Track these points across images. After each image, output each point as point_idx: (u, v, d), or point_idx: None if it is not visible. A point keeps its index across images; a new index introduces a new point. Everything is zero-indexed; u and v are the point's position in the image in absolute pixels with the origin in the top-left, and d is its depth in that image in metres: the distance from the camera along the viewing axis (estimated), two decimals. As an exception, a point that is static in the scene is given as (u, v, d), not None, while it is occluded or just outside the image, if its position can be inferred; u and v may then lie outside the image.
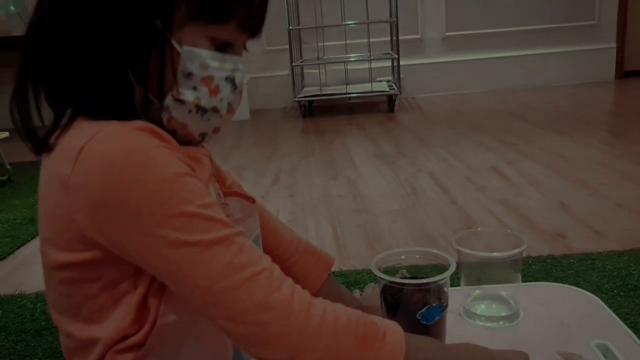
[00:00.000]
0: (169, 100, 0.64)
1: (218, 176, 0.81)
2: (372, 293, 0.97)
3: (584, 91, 4.45)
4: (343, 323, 0.59)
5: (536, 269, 1.65)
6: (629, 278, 1.58)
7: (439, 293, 0.78)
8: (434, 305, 0.77)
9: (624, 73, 4.82)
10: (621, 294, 1.51)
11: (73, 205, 0.58)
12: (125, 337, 0.62)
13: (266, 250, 0.87)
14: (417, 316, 0.77)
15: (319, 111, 4.42)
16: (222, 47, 0.65)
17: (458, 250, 0.90)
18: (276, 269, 0.60)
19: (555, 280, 1.58)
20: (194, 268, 0.56)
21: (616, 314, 0.96)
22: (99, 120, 0.61)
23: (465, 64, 4.74)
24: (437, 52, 4.74)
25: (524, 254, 0.89)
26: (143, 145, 0.58)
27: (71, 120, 0.62)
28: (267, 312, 0.56)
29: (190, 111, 0.65)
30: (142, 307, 0.62)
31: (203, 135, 0.70)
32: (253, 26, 0.66)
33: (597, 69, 4.79)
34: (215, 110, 0.67)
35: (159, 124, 0.64)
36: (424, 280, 0.76)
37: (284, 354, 0.57)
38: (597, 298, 0.98)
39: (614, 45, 4.77)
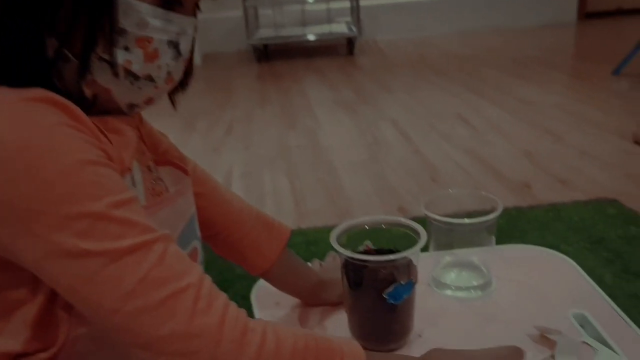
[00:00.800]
0: (91, 59, 0.51)
1: (150, 141, 0.68)
2: (333, 263, 0.87)
3: (546, 33, 4.38)
4: (286, 353, 0.49)
5: (502, 222, 1.58)
6: (594, 229, 1.55)
7: (408, 268, 0.69)
8: (402, 282, 0.68)
9: (585, 14, 4.76)
10: (587, 246, 1.47)
11: None
12: (25, 354, 0.51)
13: (213, 223, 0.76)
14: (383, 295, 0.68)
15: (275, 55, 4.23)
16: (169, 3, 0.53)
17: (427, 216, 0.81)
18: (206, 283, 0.49)
19: (522, 233, 1.53)
20: (98, 284, 0.45)
21: (583, 268, 0.91)
22: None
23: (427, 4, 4.58)
24: (398, -7, 4.56)
25: (487, 206, 0.81)
26: (39, 122, 0.45)
27: None
28: (191, 341, 0.46)
29: (116, 75, 0.52)
30: (44, 321, 0.51)
31: (131, 107, 0.57)
32: None
33: (559, 10, 4.71)
34: (149, 78, 0.54)
35: (75, 88, 0.51)
36: (391, 257, 0.67)
37: None
38: (571, 261, 0.91)
39: (576, -15, 4.69)
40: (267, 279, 0.80)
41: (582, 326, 0.77)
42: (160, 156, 0.68)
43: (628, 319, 0.76)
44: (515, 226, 1.59)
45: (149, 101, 0.57)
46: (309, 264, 0.88)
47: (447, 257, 0.87)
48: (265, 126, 2.56)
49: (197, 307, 0.46)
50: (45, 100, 0.46)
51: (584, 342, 0.72)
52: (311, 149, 2.23)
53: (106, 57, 0.51)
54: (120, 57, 0.51)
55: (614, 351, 0.71)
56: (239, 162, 2.13)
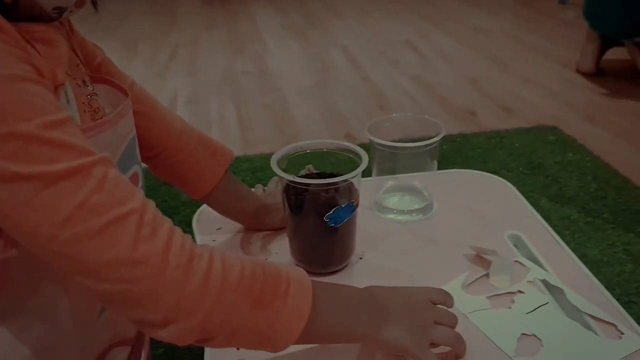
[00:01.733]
0: None
1: (83, 53, 0.63)
2: (276, 189, 0.86)
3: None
4: (233, 279, 0.47)
5: (446, 148, 1.62)
6: (534, 155, 1.59)
7: (349, 191, 0.69)
8: (343, 205, 0.68)
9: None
10: (526, 171, 1.52)
11: None
12: None
13: (152, 143, 0.73)
14: (324, 218, 0.68)
15: (223, -24, 4.02)
16: None
17: (370, 140, 0.81)
18: (150, 209, 0.46)
19: (465, 159, 1.56)
20: (32, 210, 0.42)
21: (521, 192, 0.93)
22: None
23: None
24: None
25: (433, 132, 0.82)
26: None
27: None
28: (135, 268, 0.44)
29: None
30: None
31: (60, 11, 0.52)
32: None
33: None
34: None
35: None
36: (331, 180, 0.66)
37: (158, 317, 0.45)
38: (510, 184, 0.94)
39: None
40: (209, 203, 0.78)
41: (516, 246, 0.79)
42: (94, 71, 0.63)
43: (559, 239, 0.80)
44: (459, 152, 1.61)
45: (80, 3, 0.52)
46: (252, 189, 0.87)
47: (390, 181, 0.88)
48: (211, 51, 2.47)
49: (140, 234, 0.44)
50: None
51: (517, 262, 0.75)
52: (259, 75, 2.17)
53: None
54: None
55: (545, 269, 0.74)
56: (183, 88, 2.05)
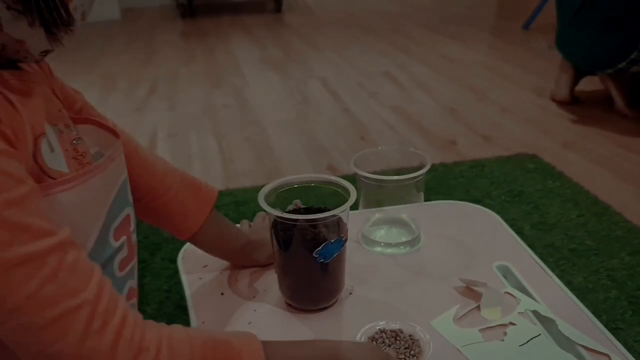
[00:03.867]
0: (1, 11, 0.45)
1: (64, 97, 0.62)
2: (262, 224, 0.85)
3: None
4: None
5: (429, 177, 1.61)
6: (515, 183, 1.61)
7: (337, 226, 0.68)
8: (332, 240, 0.67)
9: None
10: (508, 199, 1.53)
11: None
12: None
13: (136, 187, 0.71)
14: (314, 254, 0.67)
15: (200, 11, 4.05)
16: None
17: (356, 173, 0.81)
18: (103, 298, 0.45)
19: (448, 189, 1.57)
20: None
21: (504, 220, 0.94)
22: None
23: (355, -39, 4.52)
24: (325, -53, 4.45)
25: (415, 163, 0.82)
26: None
27: None
28: None
29: (31, 25, 0.46)
30: None
31: (44, 53, 0.51)
32: None
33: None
34: (67, 23, 0.48)
35: None
36: (320, 215, 0.65)
37: None
38: (495, 215, 0.94)
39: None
40: (195, 243, 0.77)
41: (505, 277, 0.79)
42: (76, 114, 0.62)
43: (547, 269, 0.80)
44: (442, 182, 1.62)
45: (61, 44, 0.52)
46: (238, 225, 0.86)
47: (377, 214, 0.88)
48: (190, 85, 2.47)
49: (90, 328, 0.43)
50: None
51: (507, 293, 0.75)
52: (238, 108, 2.17)
53: (18, 7, 0.45)
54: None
55: (535, 300, 0.74)
56: (163, 123, 2.04)
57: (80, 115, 0.63)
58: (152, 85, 2.46)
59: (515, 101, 2.17)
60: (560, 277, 1.00)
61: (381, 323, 0.68)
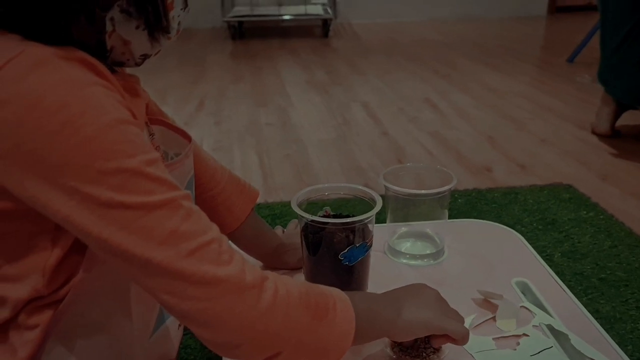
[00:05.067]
0: (114, 12, 0.53)
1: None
2: (294, 230, 0.91)
3: (517, 25, 4.46)
4: (295, 296, 0.54)
5: (462, 202, 1.65)
6: (548, 212, 1.62)
7: (363, 232, 0.74)
8: (357, 245, 0.72)
9: (556, 8, 4.86)
10: (540, 227, 1.54)
11: None
12: (39, 297, 0.54)
13: None
14: (339, 257, 0.72)
15: (250, 33, 4.21)
16: None
17: (385, 186, 0.86)
18: (225, 239, 0.53)
19: (480, 213, 1.59)
20: (130, 235, 0.47)
21: (534, 247, 0.97)
22: (6, 33, 0.48)
23: (403, -10, 4.62)
24: (374, -23, 4.57)
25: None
26: (79, 80, 0.47)
27: None
28: (217, 286, 0.49)
29: (137, 27, 0.54)
30: (61, 267, 0.54)
31: (144, 57, 0.59)
32: None
33: (530, 3, 4.80)
34: (166, 29, 0.57)
35: (93, 40, 0.53)
36: (347, 220, 0.71)
37: (234, 336, 0.51)
38: (518, 234, 0.97)
39: (548, -21, 4.78)
40: (234, 238, 0.83)
41: (523, 293, 0.82)
42: (149, 114, 0.70)
43: (564, 286, 0.82)
44: (474, 207, 1.65)
45: (158, 53, 0.60)
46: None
47: (403, 227, 0.92)
48: (236, 103, 2.58)
49: (221, 258, 0.50)
50: (82, 62, 0.48)
51: (524, 307, 0.78)
52: (281, 127, 2.26)
53: (130, 9, 0.53)
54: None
55: (551, 315, 0.77)
56: (209, 137, 2.14)
57: (152, 114, 0.71)
58: (200, 102, 2.58)
59: (555, 132, 2.19)
60: (587, 305, 1.02)
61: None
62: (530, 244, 0.97)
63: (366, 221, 0.72)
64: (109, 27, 0.53)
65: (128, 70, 0.63)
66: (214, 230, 0.52)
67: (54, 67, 0.46)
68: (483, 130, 2.20)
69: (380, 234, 0.83)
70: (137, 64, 0.60)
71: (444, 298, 0.67)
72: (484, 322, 0.75)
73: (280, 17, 4.07)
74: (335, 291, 0.59)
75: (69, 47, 0.49)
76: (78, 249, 0.54)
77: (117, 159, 0.47)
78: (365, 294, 0.67)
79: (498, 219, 1.56)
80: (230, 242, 0.55)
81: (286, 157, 1.96)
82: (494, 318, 0.76)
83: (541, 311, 0.77)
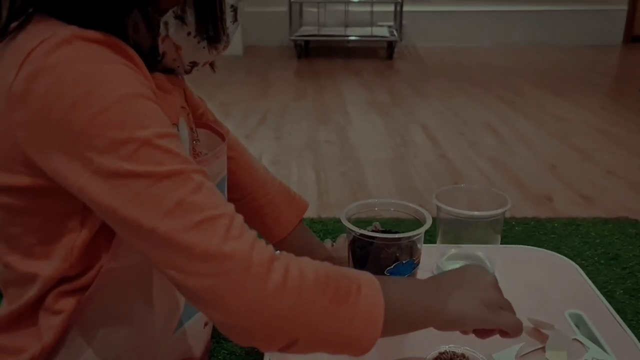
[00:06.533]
0: (169, 17, 0.56)
1: (191, 104, 0.74)
2: (343, 244, 0.92)
3: (589, 54, 4.33)
4: (309, 278, 0.50)
5: (519, 230, 1.61)
6: (611, 246, 1.55)
7: (410, 249, 0.73)
8: (404, 261, 0.72)
9: (631, 38, 4.68)
10: (601, 261, 1.47)
11: (14, 118, 0.50)
12: (66, 278, 0.57)
13: (240, 186, 0.81)
14: (385, 272, 0.72)
15: (315, 52, 4.28)
16: None
17: (437, 206, 0.85)
18: (239, 217, 0.51)
19: (537, 243, 1.54)
20: (137, 204, 0.48)
21: (594, 282, 0.93)
22: (59, 21, 0.52)
23: (471, 14, 4.58)
24: (443, 0, 4.56)
25: (507, 214, 0.84)
26: (100, 56, 0.50)
27: (27, 18, 0.52)
28: (222, 262, 0.47)
29: (189, 34, 0.57)
30: (88, 249, 0.56)
31: (193, 65, 0.62)
32: None
33: (605, 31, 4.65)
34: (216, 39, 0.59)
35: (147, 42, 0.56)
36: (396, 235, 0.71)
37: (241, 315, 0.48)
38: (575, 265, 0.94)
39: (625, 7, 4.61)
40: (281, 249, 0.85)
41: (577, 325, 0.79)
42: (198, 118, 0.73)
43: (622, 322, 0.79)
44: (532, 236, 1.60)
45: (206, 63, 0.63)
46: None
47: (453, 249, 0.91)
48: (297, 119, 2.62)
49: (229, 233, 0.49)
50: (107, 43, 0.51)
51: (576, 340, 0.75)
52: (339, 145, 2.27)
53: (184, 15, 0.55)
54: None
55: (605, 351, 0.73)
56: (268, 151, 2.19)
57: (201, 119, 0.74)
58: (263, 117, 2.64)
59: (622, 164, 2.10)
60: None
61: (448, 346, 0.71)
62: (590, 277, 0.93)
63: (414, 238, 0.72)
64: (162, 32, 0.56)
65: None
66: (228, 206, 0.51)
67: (79, 45, 0.49)
68: (545, 158, 2.14)
69: (429, 254, 0.83)
70: (187, 72, 0.62)
71: (499, 287, 0.61)
72: (532, 351, 0.73)
73: (346, 38, 4.12)
74: (364, 274, 0.54)
75: (103, 31, 0.51)
76: (105, 233, 0.55)
77: (128, 129, 0.48)
78: (405, 279, 0.60)
79: (556, 250, 1.50)
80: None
81: (342, 175, 1.97)
82: (543, 348, 0.73)
83: (595, 346, 0.74)
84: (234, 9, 0.60)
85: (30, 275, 0.57)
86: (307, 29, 4.27)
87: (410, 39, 4.57)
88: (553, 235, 1.60)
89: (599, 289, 0.91)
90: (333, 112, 2.75)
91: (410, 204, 0.78)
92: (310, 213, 0.87)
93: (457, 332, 0.74)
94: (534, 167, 2.05)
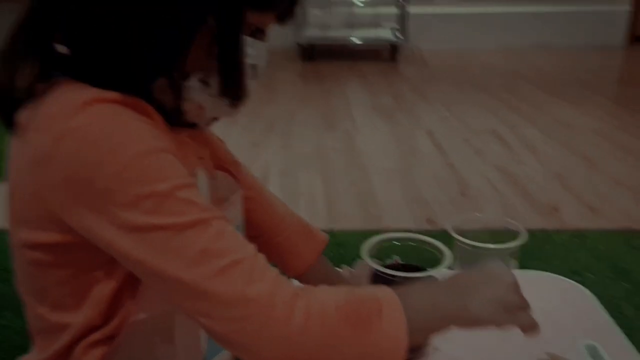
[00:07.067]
0: (193, 82, 0.58)
1: (211, 147, 0.75)
2: (362, 272, 0.93)
3: (593, 55, 4.33)
4: (331, 309, 0.52)
5: (526, 243, 1.61)
6: (619, 260, 1.57)
7: (431, 286, 0.74)
8: (424, 298, 0.74)
9: (635, 38, 4.68)
10: (610, 276, 1.49)
11: (41, 180, 0.52)
12: (94, 327, 0.58)
13: (259, 225, 0.82)
14: (406, 308, 0.74)
15: (320, 55, 4.29)
16: (255, 33, 0.60)
17: (454, 238, 0.87)
18: (260, 258, 0.53)
19: (546, 257, 1.56)
20: (163, 255, 0.50)
21: (603, 297, 0.94)
22: (82, 85, 0.54)
23: (476, 17, 4.57)
24: (447, 2, 4.56)
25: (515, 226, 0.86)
26: (116, 117, 0.52)
27: (50, 84, 0.55)
28: (246, 306, 0.49)
29: (212, 95, 0.59)
30: (114, 300, 0.58)
31: (213, 120, 0.64)
32: (287, 15, 0.61)
33: (608, 32, 4.64)
34: (241, 98, 0.61)
35: (171, 103, 0.58)
36: (417, 275, 0.72)
37: (269, 356, 0.50)
38: (591, 294, 0.95)
39: (628, 8, 4.61)
40: (300, 282, 0.86)
41: (592, 358, 0.81)
42: (216, 160, 0.74)
43: (637, 354, 0.80)
44: (540, 249, 1.61)
45: (227, 116, 0.64)
46: (339, 269, 0.94)
47: (470, 276, 0.92)
48: (304, 126, 2.63)
49: (252, 276, 0.51)
50: (122, 102, 0.53)
51: (592, 372, 0.76)
52: (347, 153, 2.29)
53: (209, 80, 0.57)
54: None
55: (620, 384, 0.74)
56: (276, 161, 2.20)
57: (220, 161, 0.75)
58: (270, 123, 2.65)
59: (630, 173, 2.11)
60: None
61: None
62: (599, 294, 0.94)
63: (435, 275, 0.73)
64: (187, 95, 0.58)
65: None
66: (249, 249, 0.52)
67: (98, 107, 0.52)
68: (552, 167, 2.15)
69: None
70: (207, 124, 0.64)
71: (519, 288, 0.61)
72: (549, 385, 0.74)
73: (350, 40, 4.13)
74: (382, 292, 0.55)
75: (120, 92, 0.53)
76: (131, 281, 0.57)
77: (150, 184, 0.50)
78: (424, 285, 0.60)
79: (565, 264, 1.52)
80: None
81: (351, 185, 1.98)
82: (560, 382, 0.75)
83: (610, 379, 0.75)
84: (254, 67, 0.61)
85: (62, 325, 0.59)
86: (312, 31, 4.26)
87: (414, 41, 4.57)
88: (561, 248, 1.62)
89: (609, 304, 0.92)
90: (339, 117, 2.76)
91: (429, 239, 0.80)
92: (320, 225, 0.88)
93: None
94: (541, 176, 2.07)
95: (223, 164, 0.76)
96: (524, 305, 0.61)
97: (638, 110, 2.86)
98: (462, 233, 0.87)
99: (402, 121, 2.69)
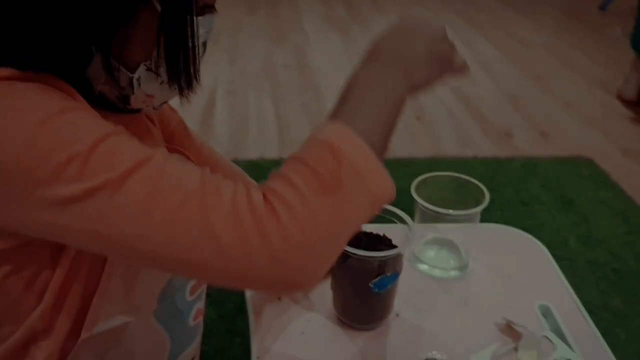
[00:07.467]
0: (141, 72, 0.51)
1: (160, 120, 0.68)
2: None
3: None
4: (296, 201, 0.46)
5: (480, 172, 1.62)
6: (567, 189, 1.60)
7: (394, 262, 0.72)
8: (388, 274, 0.72)
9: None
10: (557, 206, 1.53)
11: None
12: (44, 330, 0.54)
13: None
14: (369, 284, 0.72)
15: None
16: (203, 10, 0.53)
17: (416, 201, 0.84)
18: (209, 181, 0.47)
19: (498, 186, 1.57)
20: (112, 218, 0.44)
21: (551, 229, 0.96)
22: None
23: None
24: None
25: (469, 153, 0.84)
26: (13, 92, 0.46)
27: None
28: (218, 242, 0.44)
29: (162, 83, 0.53)
30: (63, 296, 0.53)
31: (163, 104, 0.58)
32: None
33: None
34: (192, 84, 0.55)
35: (113, 93, 0.52)
36: (380, 254, 0.69)
37: (272, 276, 0.46)
38: (545, 249, 0.96)
39: None
40: None
41: (544, 316, 0.83)
42: (168, 136, 0.67)
43: (587, 316, 0.83)
44: (492, 179, 1.63)
45: (187, 100, 0.57)
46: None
47: (429, 233, 0.91)
48: (252, 38, 2.48)
49: (207, 204, 0.45)
50: (16, 78, 0.46)
51: (545, 337, 0.79)
52: (298, 70, 2.18)
53: (158, 70, 0.52)
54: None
55: (571, 348, 0.77)
56: (223, 78, 2.08)
57: (172, 137, 0.68)
58: (215, 35, 2.48)
59: (579, 95, 2.12)
60: (598, 298, 1.04)
61: (431, 352, 0.73)
62: (548, 225, 0.96)
63: (400, 251, 0.71)
64: (135, 86, 0.52)
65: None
66: (196, 174, 0.47)
67: None
68: (506, 88, 2.13)
69: (404, 237, 0.82)
70: (155, 109, 0.58)
71: (446, 34, 0.59)
72: (505, 352, 0.76)
73: None
74: (324, 133, 0.53)
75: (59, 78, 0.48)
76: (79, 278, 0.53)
77: (65, 148, 0.44)
78: (359, 87, 0.58)
79: (516, 195, 1.55)
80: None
81: (303, 107, 1.91)
82: (515, 348, 0.76)
83: (562, 343, 0.78)
84: (204, 44, 0.54)
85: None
86: None
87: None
88: (513, 177, 1.64)
89: (556, 237, 0.94)
90: (289, 29, 2.61)
91: (395, 210, 0.76)
92: (271, 153, 0.84)
93: (436, 336, 0.77)
94: (495, 98, 2.06)
95: (175, 144, 0.68)
96: (453, 50, 0.60)
97: (587, 24, 2.84)
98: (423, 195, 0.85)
99: (356, 34, 2.58)
